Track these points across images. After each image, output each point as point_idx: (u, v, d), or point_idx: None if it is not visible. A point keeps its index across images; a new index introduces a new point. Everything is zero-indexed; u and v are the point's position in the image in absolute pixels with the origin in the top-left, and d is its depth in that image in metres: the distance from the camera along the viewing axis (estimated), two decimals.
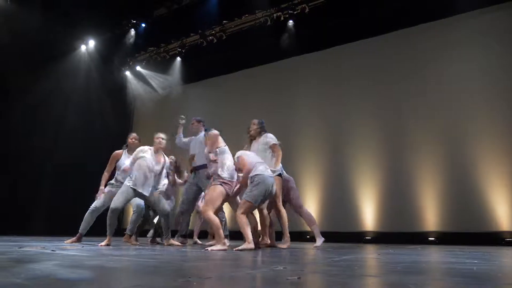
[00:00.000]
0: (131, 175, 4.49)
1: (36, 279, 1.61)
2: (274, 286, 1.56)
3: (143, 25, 9.20)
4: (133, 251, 3.44)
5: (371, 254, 3.62)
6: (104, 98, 9.16)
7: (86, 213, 4.56)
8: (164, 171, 4.73)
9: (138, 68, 9.81)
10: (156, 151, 4.58)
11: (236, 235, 5.77)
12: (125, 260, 2.64)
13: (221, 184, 3.93)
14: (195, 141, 5.29)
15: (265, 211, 4.45)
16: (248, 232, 3.76)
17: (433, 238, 6.05)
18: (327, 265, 2.41)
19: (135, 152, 4.58)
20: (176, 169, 5.65)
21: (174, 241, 4.81)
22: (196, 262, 2.56)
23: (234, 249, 3.68)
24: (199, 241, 5.88)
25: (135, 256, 2.97)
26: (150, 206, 5.10)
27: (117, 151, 4.94)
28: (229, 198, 4.06)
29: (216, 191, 3.92)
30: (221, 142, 4.19)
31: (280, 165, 4.53)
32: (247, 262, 2.57)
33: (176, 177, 5.60)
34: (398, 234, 6.28)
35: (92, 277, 1.72)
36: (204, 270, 2.09)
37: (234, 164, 4.07)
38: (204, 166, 4.82)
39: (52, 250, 3.19)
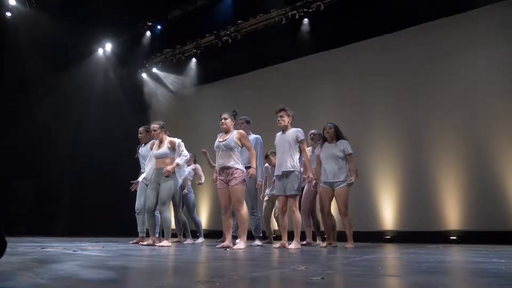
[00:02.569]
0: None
1: (60, 279, 1.62)
2: (298, 286, 1.54)
3: (159, 27, 9.26)
4: (153, 252, 3.47)
5: (392, 254, 3.56)
6: (121, 99, 9.27)
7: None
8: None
9: (154, 69, 9.88)
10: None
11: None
12: (146, 260, 2.65)
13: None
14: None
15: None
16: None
17: (455, 237, 5.91)
18: (348, 265, 2.37)
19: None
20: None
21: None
22: (217, 262, 2.55)
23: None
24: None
25: (156, 256, 2.99)
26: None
27: None
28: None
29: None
30: None
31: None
32: (268, 262, 2.56)
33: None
34: (419, 233, 6.15)
35: (114, 278, 1.73)
36: (226, 270, 2.08)
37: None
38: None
39: (74, 251, 3.24)
